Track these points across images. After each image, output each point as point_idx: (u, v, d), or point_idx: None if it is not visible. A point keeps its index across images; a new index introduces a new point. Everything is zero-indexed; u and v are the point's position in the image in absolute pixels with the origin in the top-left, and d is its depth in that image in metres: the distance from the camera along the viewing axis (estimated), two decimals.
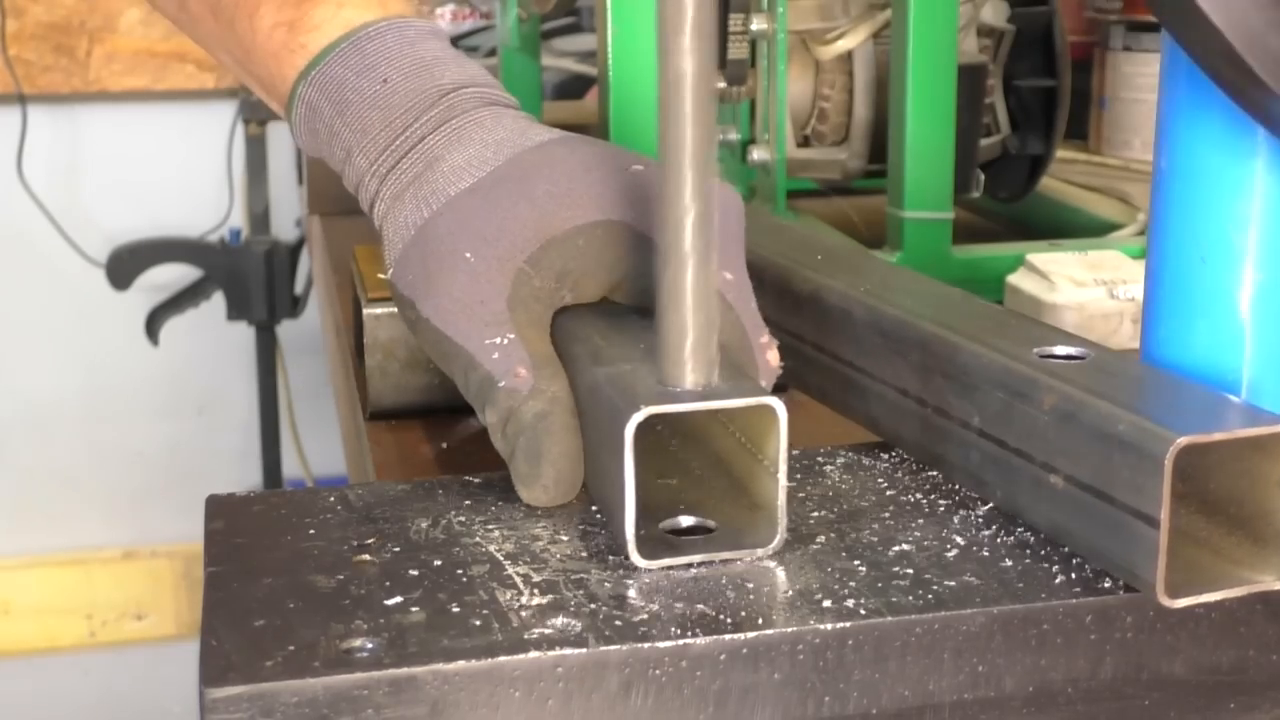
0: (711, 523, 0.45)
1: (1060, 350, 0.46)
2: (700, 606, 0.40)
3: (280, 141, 2.03)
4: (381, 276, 0.57)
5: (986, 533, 0.45)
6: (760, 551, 0.43)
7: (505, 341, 0.48)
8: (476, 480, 0.49)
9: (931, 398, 0.49)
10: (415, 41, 0.55)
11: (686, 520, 0.45)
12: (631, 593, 0.41)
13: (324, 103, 0.55)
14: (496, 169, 0.51)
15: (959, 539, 0.44)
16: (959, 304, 0.53)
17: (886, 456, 0.51)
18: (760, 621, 0.39)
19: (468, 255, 0.49)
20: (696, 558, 0.43)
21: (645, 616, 0.39)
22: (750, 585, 0.41)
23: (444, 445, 0.64)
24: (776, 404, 0.42)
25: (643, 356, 0.46)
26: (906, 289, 0.54)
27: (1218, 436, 0.39)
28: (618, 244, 0.50)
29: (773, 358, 0.51)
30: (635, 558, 0.42)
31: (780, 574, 0.42)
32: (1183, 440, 0.39)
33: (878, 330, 0.52)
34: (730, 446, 0.47)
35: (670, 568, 0.42)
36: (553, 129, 0.53)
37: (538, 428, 0.47)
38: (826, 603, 0.40)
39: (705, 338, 0.43)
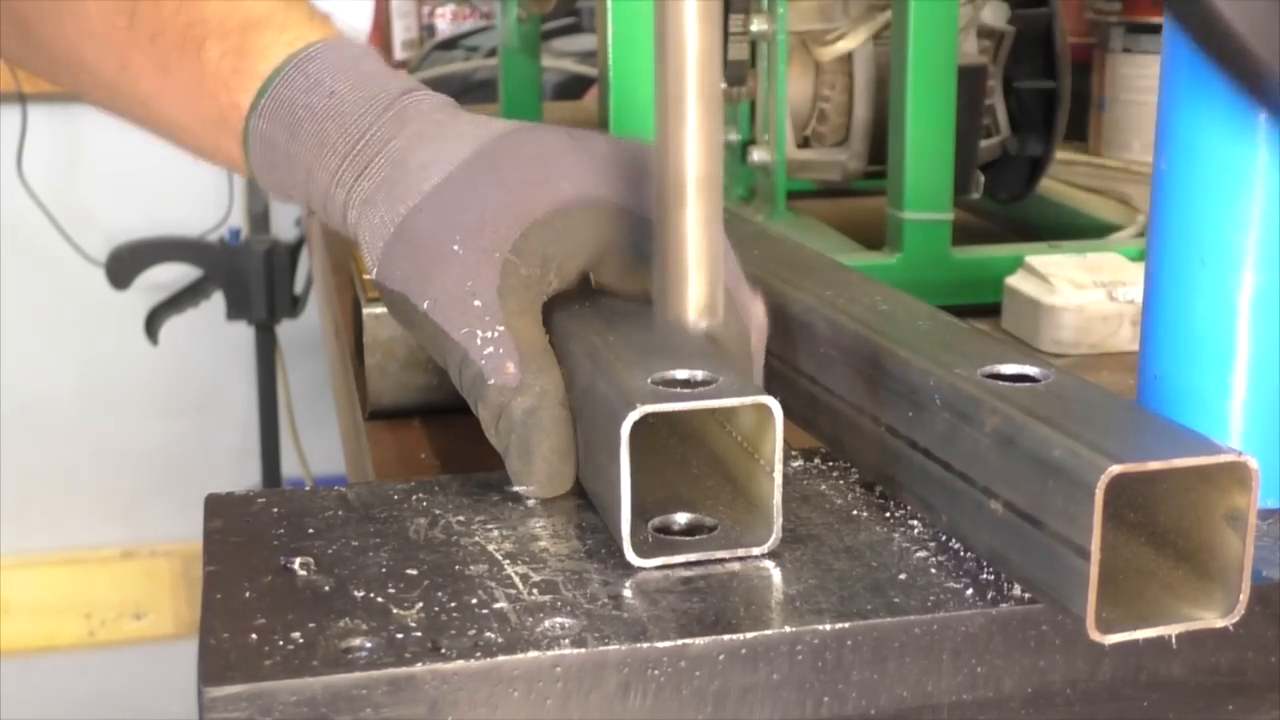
0: (709, 520, 0.45)
1: (1009, 370, 0.45)
2: (699, 606, 0.40)
3: None
4: (366, 278, 0.57)
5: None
6: (756, 550, 0.43)
7: (495, 335, 0.48)
8: (476, 480, 0.49)
9: (883, 415, 0.48)
10: (357, 58, 0.56)
11: (683, 518, 0.45)
12: (630, 593, 0.41)
13: (277, 131, 0.55)
14: (465, 161, 0.51)
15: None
16: (919, 320, 0.51)
17: None
18: (759, 622, 0.39)
19: (455, 248, 0.49)
20: (693, 556, 0.43)
21: (644, 616, 0.39)
22: (749, 585, 0.41)
23: (444, 445, 0.64)
24: (772, 403, 0.42)
25: (639, 355, 0.46)
26: (869, 302, 0.53)
27: (1152, 466, 0.38)
28: (597, 221, 0.50)
29: (758, 310, 0.51)
30: (631, 556, 0.42)
31: (779, 574, 0.42)
32: (1115, 469, 0.37)
33: (836, 345, 0.51)
34: (727, 445, 0.47)
35: (666, 567, 0.42)
36: (510, 121, 0.53)
37: (528, 424, 0.47)
38: (825, 603, 0.40)
39: (712, 274, 0.42)
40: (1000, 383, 0.44)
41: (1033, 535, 0.40)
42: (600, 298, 0.52)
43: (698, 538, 0.44)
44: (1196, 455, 0.38)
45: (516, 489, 0.48)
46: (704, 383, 0.44)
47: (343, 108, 0.54)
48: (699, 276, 0.42)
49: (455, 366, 0.49)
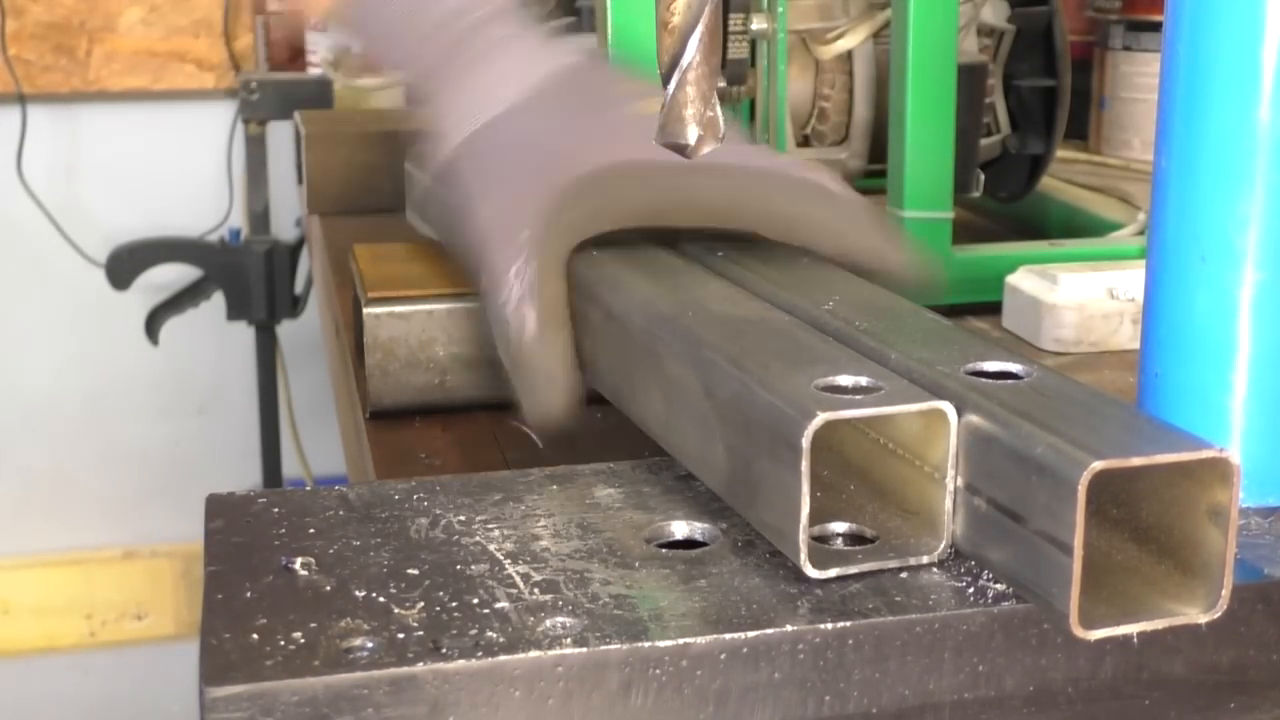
0: (868, 531, 0.44)
1: (992, 367, 0.44)
2: (700, 606, 0.40)
3: (280, 141, 2.03)
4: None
5: None
6: (927, 559, 0.42)
7: (527, 278, 0.50)
8: (476, 480, 0.49)
9: None
10: None
11: (840, 526, 0.44)
12: (631, 592, 0.41)
13: None
14: (545, 87, 0.53)
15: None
16: (903, 317, 0.51)
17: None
18: (760, 621, 0.39)
19: (519, 173, 0.51)
20: (868, 567, 0.42)
21: (645, 616, 0.39)
22: (750, 584, 0.41)
23: (444, 445, 0.64)
24: (948, 408, 0.42)
25: (771, 356, 0.45)
26: (856, 300, 0.53)
27: (1134, 462, 0.38)
28: (643, 180, 0.52)
29: (829, 177, 0.54)
30: (808, 569, 0.41)
31: (780, 573, 0.42)
32: (1097, 465, 0.37)
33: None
34: (866, 448, 0.46)
35: (842, 578, 0.41)
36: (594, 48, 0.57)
37: (539, 376, 0.50)
38: (826, 601, 0.40)
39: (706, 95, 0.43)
40: (983, 380, 0.43)
41: (1015, 532, 0.40)
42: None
43: (867, 547, 0.43)
44: (1179, 451, 0.38)
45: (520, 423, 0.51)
46: (870, 389, 0.43)
47: None
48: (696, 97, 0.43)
49: (478, 281, 0.52)
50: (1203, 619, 0.39)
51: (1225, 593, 0.38)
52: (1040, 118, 0.97)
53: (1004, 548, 0.40)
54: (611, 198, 0.52)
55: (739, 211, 0.54)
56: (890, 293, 0.54)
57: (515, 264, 0.50)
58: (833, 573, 0.41)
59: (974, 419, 0.41)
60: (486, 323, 0.52)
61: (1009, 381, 0.43)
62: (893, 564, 0.42)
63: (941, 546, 0.42)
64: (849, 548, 0.43)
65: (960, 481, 0.42)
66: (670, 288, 0.53)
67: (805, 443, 0.40)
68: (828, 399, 0.41)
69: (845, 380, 0.43)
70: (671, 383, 0.48)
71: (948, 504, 0.42)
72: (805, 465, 0.40)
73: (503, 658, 0.37)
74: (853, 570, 0.41)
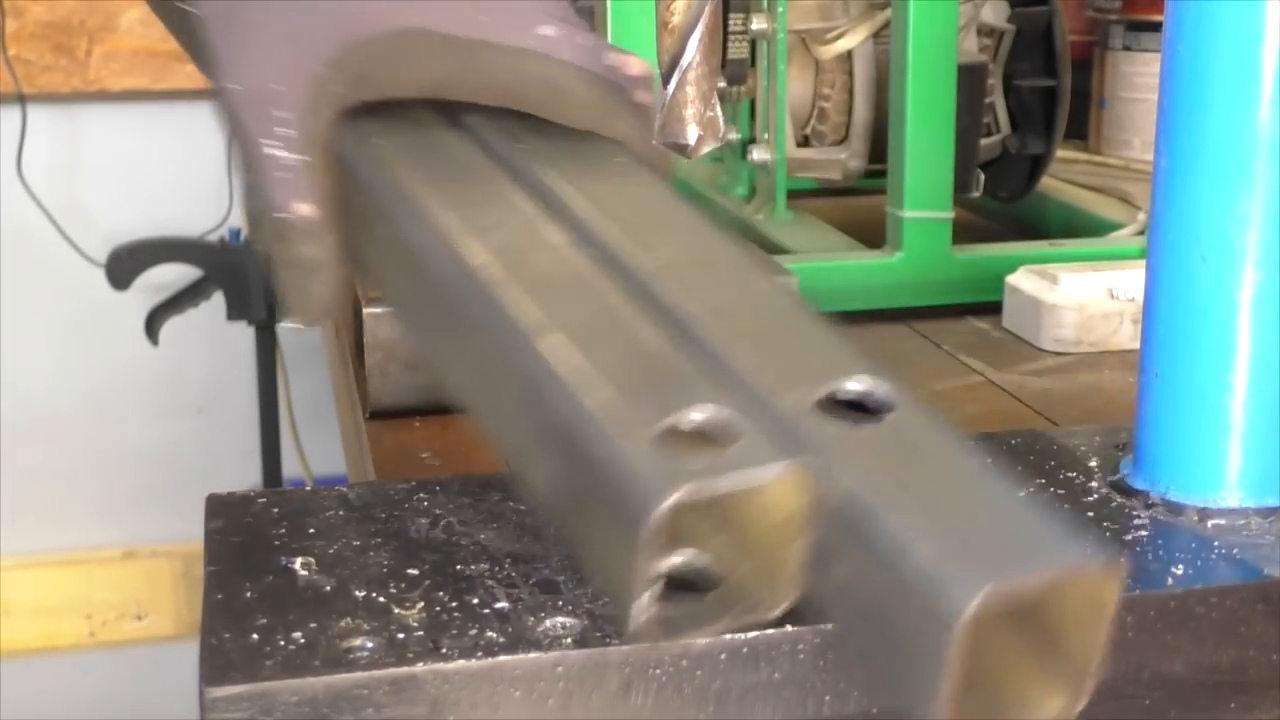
0: (710, 565, 0.38)
1: (854, 388, 0.38)
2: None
3: None
4: None
5: None
6: (769, 616, 0.37)
7: (293, 164, 0.45)
8: (477, 480, 0.49)
9: None
10: None
11: (678, 556, 0.38)
12: None
13: None
14: None
15: None
16: (740, 286, 0.43)
17: None
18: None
19: (274, 40, 0.45)
20: (704, 636, 0.38)
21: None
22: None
23: (444, 445, 0.64)
24: (806, 471, 0.36)
25: (598, 368, 0.37)
26: (683, 249, 0.45)
27: (1020, 586, 0.33)
28: (433, 49, 0.46)
29: (635, 65, 0.47)
30: (636, 640, 0.36)
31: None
32: (976, 607, 0.32)
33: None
34: None
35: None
36: None
37: (313, 274, 0.45)
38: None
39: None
40: (832, 420, 0.37)
41: (876, 625, 0.35)
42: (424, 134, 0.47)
43: (703, 603, 0.37)
44: (1069, 563, 0.34)
45: (285, 321, 0.46)
46: (720, 434, 0.36)
47: None
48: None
49: (240, 161, 0.46)
50: (1062, 715, 0.35)
51: (1089, 686, 0.35)
52: (1040, 118, 0.97)
53: (862, 632, 0.36)
54: (391, 67, 0.46)
55: (529, 97, 0.48)
56: (722, 243, 0.45)
57: (278, 143, 0.44)
58: (659, 641, 0.36)
59: (831, 489, 0.36)
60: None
61: (868, 426, 0.37)
62: (727, 623, 0.36)
63: (787, 603, 0.37)
64: (685, 601, 0.37)
65: (817, 547, 0.36)
66: (476, 216, 0.44)
67: (647, 533, 0.34)
68: (673, 468, 0.34)
69: (694, 417, 0.36)
70: (482, 363, 0.41)
71: (797, 563, 0.36)
72: (643, 558, 0.34)
73: (503, 658, 0.37)
74: (682, 638, 0.37)
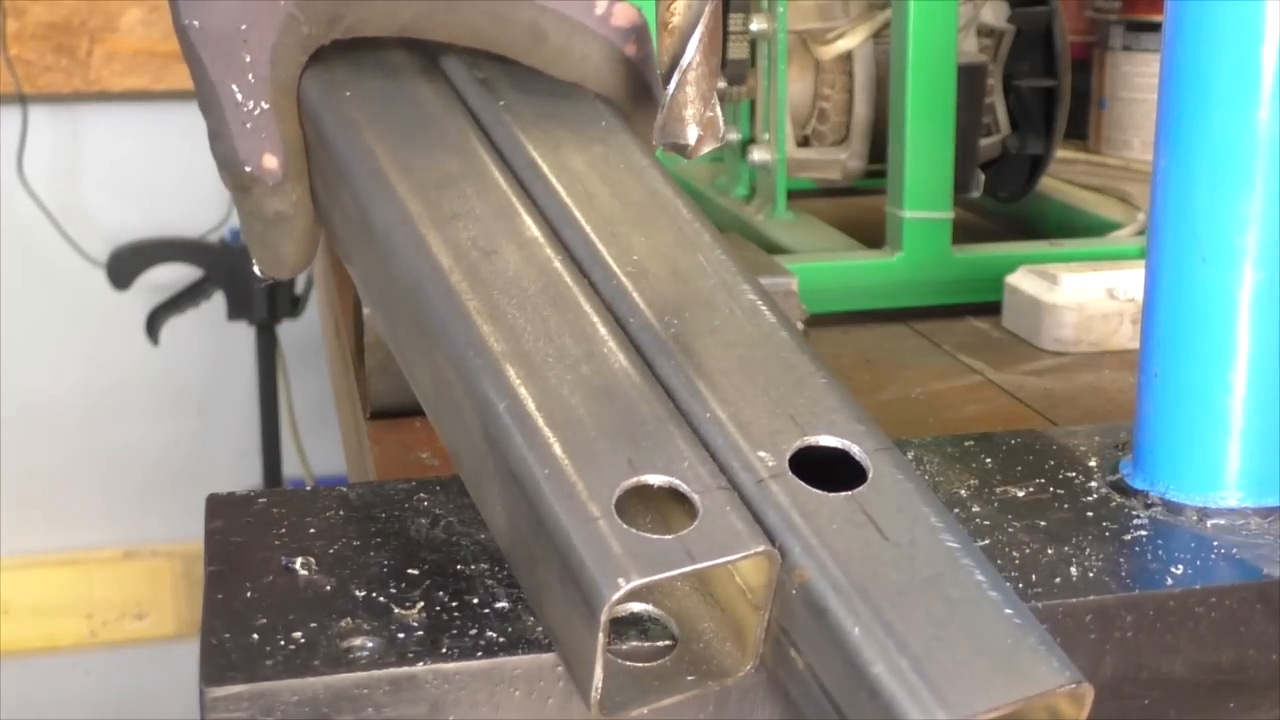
0: (668, 623, 0.37)
1: (831, 444, 0.35)
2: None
3: None
4: None
5: (987, 525, 0.45)
6: (729, 681, 0.37)
7: (259, 111, 0.43)
8: None
9: None
10: None
11: (638, 606, 0.37)
12: None
13: None
14: None
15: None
16: (714, 309, 0.40)
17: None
18: None
19: None
20: (662, 704, 0.36)
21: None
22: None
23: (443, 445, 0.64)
24: (771, 556, 0.35)
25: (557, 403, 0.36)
26: (659, 257, 0.42)
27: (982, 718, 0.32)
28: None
29: (626, 14, 0.46)
30: (595, 711, 0.35)
31: None
32: None
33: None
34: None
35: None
36: None
37: (278, 228, 0.44)
38: None
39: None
40: (802, 488, 0.35)
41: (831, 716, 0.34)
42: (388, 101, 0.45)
43: (661, 665, 0.37)
44: (1037, 685, 0.33)
45: (256, 269, 0.45)
46: (688, 499, 0.35)
47: None
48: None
49: (205, 111, 0.44)
50: None
51: None
52: (1040, 118, 0.97)
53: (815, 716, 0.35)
54: (365, 2, 0.43)
55: (512, 43, 0.46)
56: (703, 240, 0.43)
57: (244, 93, 0.42)
58: (622, 714, 0.35)
59: (791, 577, 0.35)
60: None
61: (840, 498, 0.36)
62: (692, 686, 0.36)
63: (746, 670, 0.37)
64: (645, 666, 0.37)
65: (776, 625, 0.36)
66: (445, 201, 0.42)
67: (602, 617, 0.33)
68: (623, 558, 0.33)
69: (654, 480, 0.35)
70: (441, 378, 0.40)
71: (759, 632, 0.36)
72: (599, 640, 0.33)
73: (503, 658, 0.37)
74: (644, 710, 0.36)
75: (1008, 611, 0.34)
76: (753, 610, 0.36)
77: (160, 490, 2.12)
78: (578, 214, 0.42)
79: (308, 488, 0.49)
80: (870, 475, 0.36)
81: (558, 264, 0.41)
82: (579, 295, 0.40)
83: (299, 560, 0.42)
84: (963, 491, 0.48)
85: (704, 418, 0.37)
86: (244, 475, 2.11)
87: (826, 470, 0.37)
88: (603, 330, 0.39)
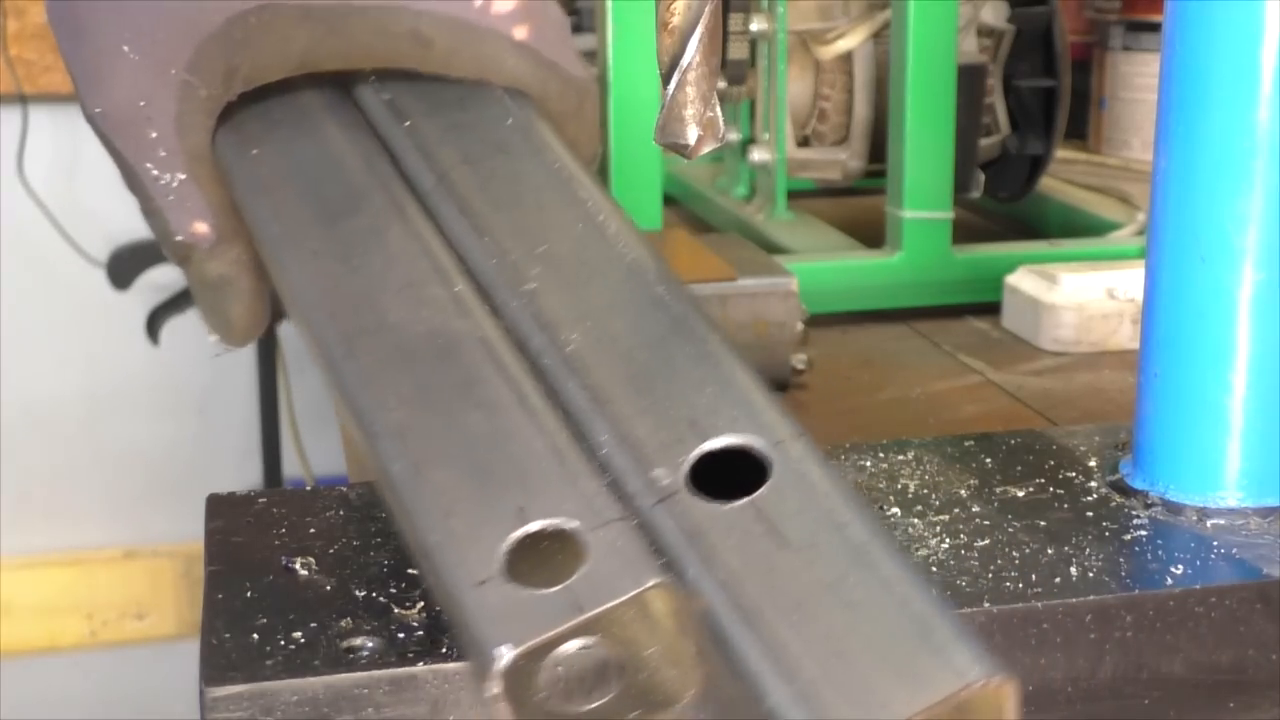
0: (612, 656, 0.34)
1: (731, 443, 0.34)
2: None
3: None
4: None
5: (987, 525, 0.45)
6: (671, 711, 0.35)
7: (178, 183, 0.43)
8: None
9: None
10: None
11: (579, 643, 0.34)
12: None
13: None
14: None
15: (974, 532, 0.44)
16: (617, 308, 0.39)
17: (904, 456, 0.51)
18: None
19: (127, 49, 0.42)
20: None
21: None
22: None
23: None
24: (666, 585, 0.33)
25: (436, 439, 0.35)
26: (560, 263, 0.40)
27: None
28: (289, 23, 0.43)
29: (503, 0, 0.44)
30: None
31: None
32: None
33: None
34: None
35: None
36: None
37: (223, 290, 0.44)
38: None
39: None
40: (700, 501, 0.34)
41: None
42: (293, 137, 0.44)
43: (604, 703, 0.35)
44: (950, 686, 0.31)
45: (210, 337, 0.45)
46: (576, 543, 0.33)
47: None
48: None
49: (135, 193, 0.44)
50: None
51: None
52: (1040, 118, 0.97)
53: None
54: (253, 50, 0.42)
55: (401, 55, 0.45)
56: (607, 235, 0.42)
57: (160, 168, 0.42)
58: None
59: (691, 604, 0.33)
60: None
61: (739, 506, 0.34)
62: (643, 712, 0.34)
63: (688, 697, 0.34)
64: (590, 710, 0.34)
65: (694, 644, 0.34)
66: (349, 253, 0.41)
67: (495, 689, 0.32)
68: (508, 623, 0.32)
69: (540, 526, 0.34)
70: (353, 427, 0.39)
71: (692, 658, 0.34)
72: (504, 705, 0.32)
73: None
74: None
75: (917, 608, 0.32)
76: (682, 635, 0.34)
77: (161, 490, 2.12)
78: (480, 235, 0.41)
79: (308, 488, 0.49)
80: (771, 474, 0.35)
81: (452, 305, 0.39)
82: (476, 334, 0.38)
83: (299, 560, 0.42)
84: (963, 491, 0.48)
85: (602, 440, 0.36)
86: (244, 475, 2.11)
87: (734, 471, 0.35)
88: (493, 369, 0.38)
